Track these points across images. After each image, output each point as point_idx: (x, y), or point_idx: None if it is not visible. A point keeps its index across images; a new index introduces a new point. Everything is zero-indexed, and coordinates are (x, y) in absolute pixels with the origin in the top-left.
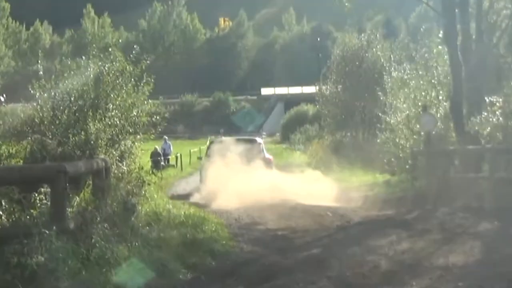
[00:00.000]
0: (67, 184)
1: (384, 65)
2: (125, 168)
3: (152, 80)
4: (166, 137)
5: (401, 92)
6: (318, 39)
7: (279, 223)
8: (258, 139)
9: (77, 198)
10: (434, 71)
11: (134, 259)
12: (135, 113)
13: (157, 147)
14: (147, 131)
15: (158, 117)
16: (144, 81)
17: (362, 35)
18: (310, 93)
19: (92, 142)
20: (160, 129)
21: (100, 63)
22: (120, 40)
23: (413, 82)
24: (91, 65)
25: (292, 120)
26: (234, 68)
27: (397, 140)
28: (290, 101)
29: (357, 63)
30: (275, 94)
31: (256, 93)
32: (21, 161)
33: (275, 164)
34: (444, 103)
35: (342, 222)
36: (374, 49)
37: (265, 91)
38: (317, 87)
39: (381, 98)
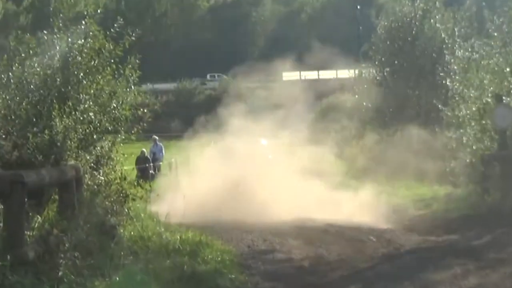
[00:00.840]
0: (26, 200)
1: (446, 41)
2: (102, 178)
3: (138, 61)
4: (157, 138)
5: (469, 77)
6: (358, 7)
7: (305, 250)
8: (263, 141)
9: (39, 218)
10: None
11: None
12: (116, 105)
13: (144, 150)
14: (131, 129)
15: (146, 110)
16: (128, 63)
17: (417, 2)
18: (347, 78)
19: (58, 144)
20: (148, 126)
21: (69, 39)
22: (98, 10)
23: (486, 63)
24: (57, 42)
25: (324, 115)
26: (246, 46)
27: (464, 140)
28: (320, 90)
29: (409, 38)
30: (301, 79)
31: (276, 78)
32: None
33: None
34: None
35: (389, 250)
36: (432, 20)
37: (288, 75)
38: (356, 71)
39: (442, 84)
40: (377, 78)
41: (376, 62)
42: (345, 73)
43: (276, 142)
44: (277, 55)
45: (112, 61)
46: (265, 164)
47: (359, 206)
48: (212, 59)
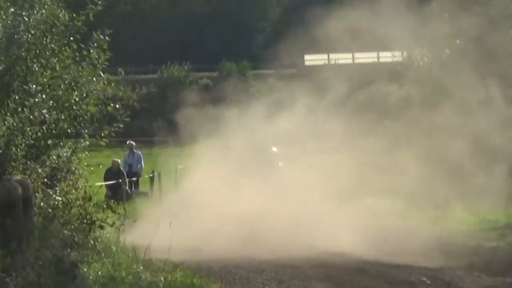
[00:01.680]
0: None
1: None
2: (59, 198)
3: (108, 39)
4: (133, 143)
5: None
6: None
7: None
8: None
9: None
10: None
11: None
12: (78, 100)
13: (117, 160)
14: (99, 132)
15: (118, 106)
16: (94, 41)
17: None
18: (392, 62)
19: None
20: (122, 128)
21: (12, 9)
22: None
23: None
24: None
25: (361, 112)
26: (254, 21)
27: None
28: (356, 78)
29: None
30: (329, 64)
31: (295, 63)
32: None
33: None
34: None
35: None
36: None
37: (312, 58)
38: (405, 53)
39: None
40: (433, 61)
41: (432, 40)
42: (390, 56)
43: (297, 151)
44: (295, 31)
45: (72, 39)
46: (281, 180)
47: (404, 236)
48: (208, 37)
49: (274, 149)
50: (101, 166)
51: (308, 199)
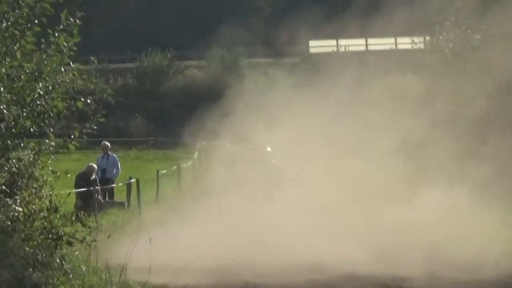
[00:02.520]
0: None
1: None
2: (20, 209)
3: (79, 22)
4: (109, 145)
5: None
6: None
7: None
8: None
9: None
10: None
11: None
12: (42, 93)
13: (94, 166)
14: (68, 132)
15: (90, 101)
16: (61, 25)
17: None
18: (412, 49)
19: None
20: (95, 128)
21: None
22: None
23: None
24: None
25: (374, 108)
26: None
27: None
28: (369, 66)
29: None
30: (339, 51)
31: (298, 49)
32: None
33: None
34: None
35: None
36: None
37: (318, 45)
38: (427, 37)
39: None
40: (461, 46)
41: (457, 21)
42: (408, 42)
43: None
44: (298, 12)
45: (36, 21)
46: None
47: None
48: (195, 20)
49: (269, 148)
50: (69, 173)
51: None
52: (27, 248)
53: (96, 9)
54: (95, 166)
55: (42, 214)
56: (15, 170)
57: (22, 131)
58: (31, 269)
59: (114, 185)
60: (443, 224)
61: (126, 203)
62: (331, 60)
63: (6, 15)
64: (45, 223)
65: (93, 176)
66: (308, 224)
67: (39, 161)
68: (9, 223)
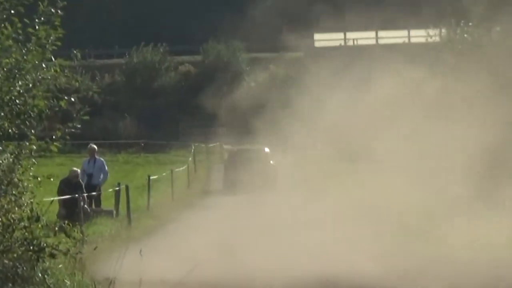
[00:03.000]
0: None
1: None
2: None
3: (61, 13)
4: (95, 148)
5: None
6: None
7: None
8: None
9: None
10: None
11: None
12: (21, 91)
13: (77, 170)
14: (50, 134)
15: (75, 100)
16: (41, 15)
17: None
18: (424, 43)
19: None
20: (79, 127)
21: None
22: None
23: None
24: None
25: (384, 109)
26: None
27: None
28: (380, 61)
29: None
30: (346, 45)
31: (302, 44)
32: None
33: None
34: None
35: None
36: None
37: (323, 38)
38: (442, 30)
39: None
40: (479, 40)
41: (475, 15)
42: (421, 35)
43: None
44: (301, 3)
45: (13, 12)
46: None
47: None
48: (189, 12)
49: (267, 149)
50: (53, 179)
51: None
52: (6, 261)
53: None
54: (78, 170)
55: (22, 223)
56: None
57: (0, 133)
58: (10, 284)
59: (101, 192)
60: None
61: (114, 212)
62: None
63: None
64: (26, 234)
65: (79, 181)
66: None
67: (19, 166)
68: None
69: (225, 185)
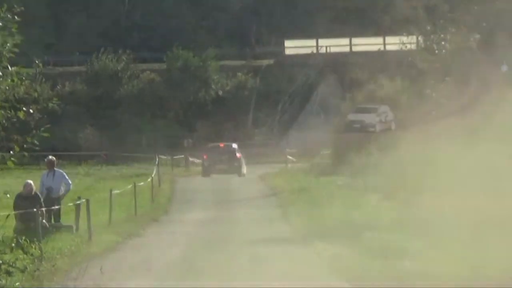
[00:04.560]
0: None
1: None
2: None
3: (18, 18)
4: (55, 160)
5: None
6: None
7: None
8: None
9: None
10: None
11: None
12: None
13: (30, 182)
14: (7, 146)
15: (33, 110)
16: None
17: None
18: (400, 51)
19: None
20: (37, 144)
21: None
22: None
23: None
24: None
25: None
26: None
27: None
28: (353, 71)
29: None
30: (319, 53)
31: (272, 51)
32: None
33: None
34: None
35: None
36: None
37: (295, 45)
38: (419, 37)
39: None
40: (459, 49)
41: (453, 21)
42: (396, 42)
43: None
44: (272, 9)
45: None
46: None
47: None
48: (155, 17)
49: (234, 145)
50: (8, 195)
51: None
52: None
53: (40, 4)
54: (31, 182)
55: None
56: None
57: None
58: None
59: (60, 206)
60: None
61: (74, 227)
62: (309, 62)
63: None
64: None
65: (37, 194)
66: None
67: None
68: None
69: (204, 170)
